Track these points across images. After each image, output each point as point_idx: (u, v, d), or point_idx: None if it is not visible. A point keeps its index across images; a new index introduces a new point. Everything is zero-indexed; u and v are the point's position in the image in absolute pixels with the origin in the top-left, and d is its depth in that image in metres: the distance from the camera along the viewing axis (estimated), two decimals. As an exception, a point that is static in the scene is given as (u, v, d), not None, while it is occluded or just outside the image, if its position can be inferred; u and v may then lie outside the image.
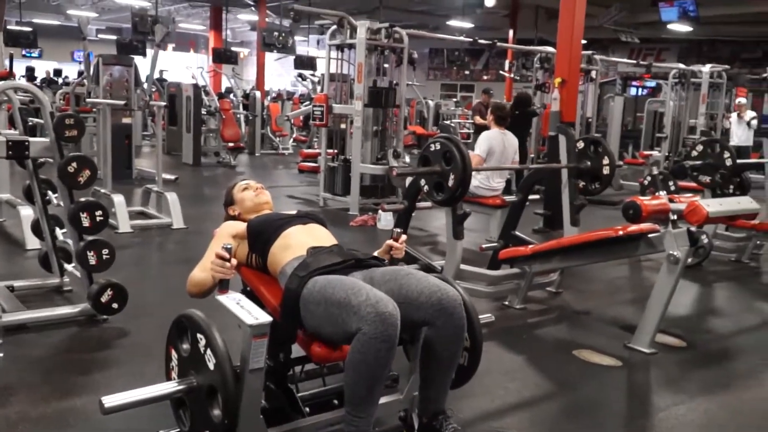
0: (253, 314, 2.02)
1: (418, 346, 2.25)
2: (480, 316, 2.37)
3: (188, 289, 2.49)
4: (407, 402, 2.45)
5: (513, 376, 3.54)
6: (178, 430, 2.43)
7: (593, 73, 10.50)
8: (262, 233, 2.51)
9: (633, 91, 18.56)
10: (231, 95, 16.21)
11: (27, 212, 5.64)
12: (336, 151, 8.93)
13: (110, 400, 2.09)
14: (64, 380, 3.19)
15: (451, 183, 3.99)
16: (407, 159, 8.35)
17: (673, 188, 5.37)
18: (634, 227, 3.90)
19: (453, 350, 2.18)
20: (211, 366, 2.07)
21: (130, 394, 2.14)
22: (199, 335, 2.14)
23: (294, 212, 2.70)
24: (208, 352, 2.08)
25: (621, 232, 3.92)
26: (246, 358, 1.98)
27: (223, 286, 2.16)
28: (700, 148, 5.93)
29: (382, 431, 2.42)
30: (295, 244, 2.43)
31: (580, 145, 4.94)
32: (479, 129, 10.95)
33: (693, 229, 3.77)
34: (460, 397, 3.08)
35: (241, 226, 2.60)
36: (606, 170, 4.77)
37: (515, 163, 6.74)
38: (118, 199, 6.53)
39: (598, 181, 4.87)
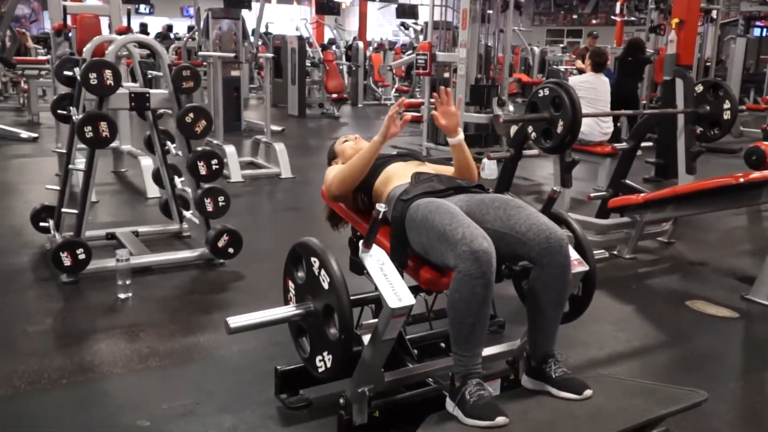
0: (397, 292, 2.01)
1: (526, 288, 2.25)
2: (582, 270, 2.33)
3: (334, 189, 2.55)
4: (517, 349, 2.49)
5: (622, 326, 3.50)
6: (293, 365, 2.57)
7: (714, 13, 9.84)
8: (366, 177, 2.56)
9: (757, 32, 17.33)
10: (334, 46, 16.34)
11: (147, 162, 5.95)
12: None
13: (235, 321, 2.21)
14: (187, 319, 3.41)
15: (559, 129, 3.92)
16: (511, 108, 8.19)
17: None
18: (756, 174, 3.71)
19: (559, 290, 2.17)
20: (326, 286, 2.14)
21: (253, 316, 2.25)
22: (313, 259, 2.20)
23: (394, 152, 2.74)
24: (323, 273, 2.15)
25: (742, 179, 3.73)
26: (381, 330, 2.04)
27: (368, 241, 2.14)
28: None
29: (491, 374, 2.46)
30: (398, 174, 2.48)
31: (699, 88, 4.71)
32: (582, 74, 10.62)
33: (822, 175, 3.55)
34: (568, 344, 3.08)
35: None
36: (727, 115, 4.53)
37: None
38: (230, 149, 6.78)
39: (717, 126, 4.64)
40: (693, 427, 2.49)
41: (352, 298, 2.15)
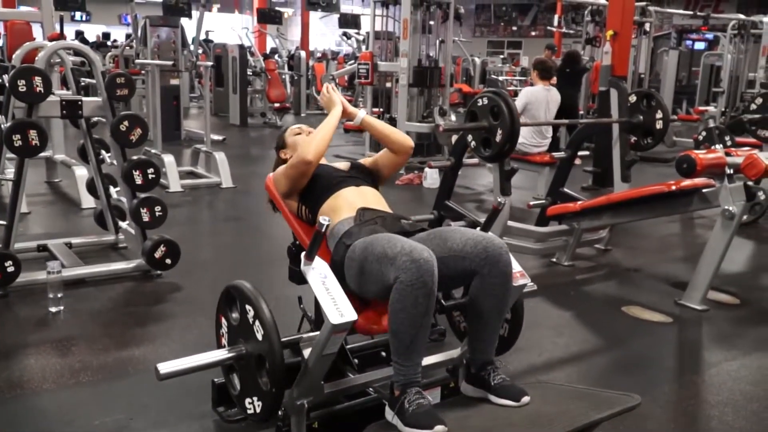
0: (339, 307, 2.00)
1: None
2: (524, 283, 2.37)
3: (312, 152, 2.47)
4: (457, 358, 2.50)
5: (560, 331, 3.55)
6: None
7: (647, 26, 10.18)
8: (314, 189, 2.53)
9: (689, 45, 17.98)
10: (276, 56, 16.24)
11: (81, 172, 5.80)
12: (381, 109, 8.90)
13: (165, 367, 2.19)
14: (123, 332, 3.32)
15: (498, 138, 3.97)
16: (453, 117, 8.27)
17: (729, 143, 5.23)
18: (687, 182, 3.84)
19: (500, 297, 2.19)
20: (259, 336, 2.15)
21: (183, 361, 2.23)
22: (248, 306, 2.21)
23: (347, 166, 2.69)
24: (257, 324, 2.16)
25: (674, 187, 3.85)
26: (322, 345, 2.02)
27: (311, 254, 2.11)
28: (759, 101, 5.73)
29: (431, 382, 2.46)
30: (346, 205, 2.43)
31: (633, 98, 4.84)
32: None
33: (750, 183, 3.68)
34: (508, 351, 3.12)
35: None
36: (659, 125, 4.67)
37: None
38: (169, 159, 6.67)
39: (650, 135, 4.77)
40: (629, 430, 2.54)
41: (284, 340, 2.20)
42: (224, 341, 2.40)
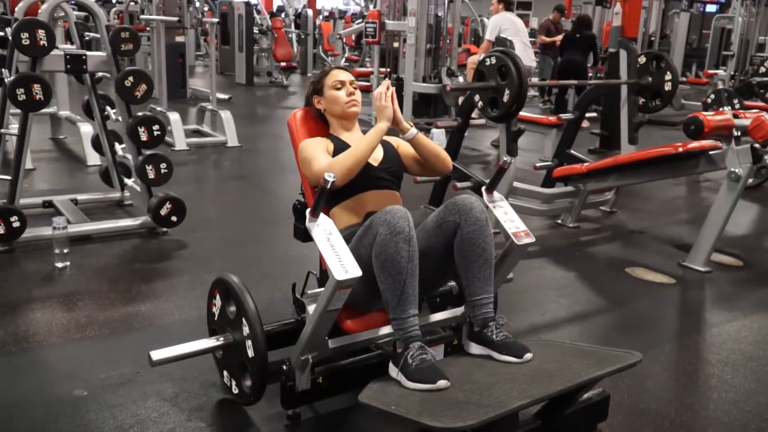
0: (344, 264, 1.99)
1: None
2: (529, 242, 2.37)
3: (339, 174, 2.19)
4: (460, 316, 2.51)
5: (564, 292, 3.56)
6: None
7: (658, -13, 10.02)
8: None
9: (700, 7, 17.67)
10: (282, 14, 16.05)
11: (87, 129, 5.78)
12: (389, 69, 8.81)
13: (158, 354, 2.23)
14: (128, 288, 3.33)
15: (506, 98, 3.93)
16: (461, 78, 8.19)
17: (738, 106, 5.16)
18: (695, 144, 3.80)
19: (482, 244, 2.19)
20: (250, 354, 2.21)
21: (175, 349, 2.28)
22: (243, 320, 2.24)
23: (378, 159, 2.48)
24: (249, 342, 2.21)
25: (681, 149, 3.82)
26: (326, 301, 2.03)
27: (315, 210, 2.08)
28: (769, 63, 5.65)
29: (434, 340, 2.47)
30: (359, 209, 2.38)
31: (642, 60, 4.77)
32: (546, 48, 10.64)
33: (757, 146, 3.65)
34: (510, 310, 3.13)
35: (330, 146, 2.44)
36: (668, 86, 4.61)
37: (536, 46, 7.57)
38: (174, 117, 6.63)
39: (659, 97, 4.72)
40: (629, 387, 2.56)
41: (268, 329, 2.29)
42: (215, 323, 2.46)
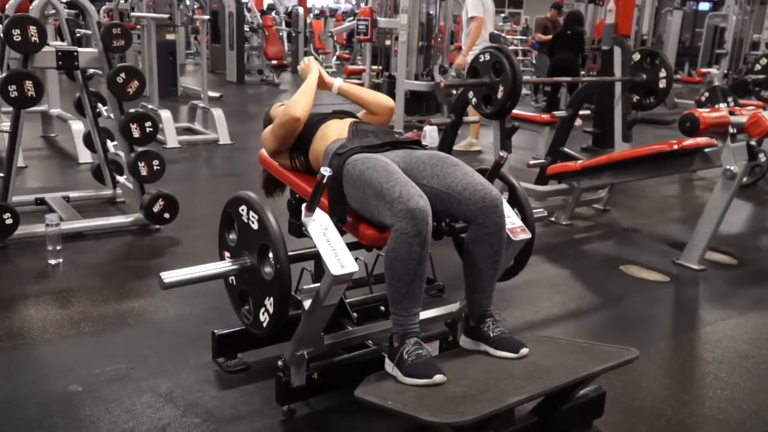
0: (340, 259, 1.99)
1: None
2: (525, 238, 2.37)
3: (293, 112, 2.46)
4: (456, 312, 2.53)
5: (558, 289, 3.58)
6: (231, 329, 2.56)
7: (651, -15, 10.06)
8: (301, 133, 2.51)
9: (693, 5, 17.75)
10: (273, 12, 16.05)
11: (78, 126, 5.77)
12: (381, 67, 8.82)
13: (168, 276, 2.13)
14: (122, 284, 3.33)
15: (500, 95, 3.95)
16: (453, 75, 8.20)
17: (732, 104, 5.20)
18: (690, 141, 3.83)
19: (495, 249, 2.20)
20: (255, 226, 2.15)
21: (188, 271, 2.19)
22: (240, 207, 2.22)
23: (330, 111, 2.69)
24: (251, 215, 2.16)
25: (676, 146, 3.85)
26: (322, 296, 2.02)
27: (311, 205, 2.09)
28: (764, 61, 5.70)
29: (429, 336, 2.48)
30: (335, 130, 2.46)
31: (636, 57, 4.80)
32: (542, 46, 10.66)
33: (753, 143, 3.68)
34: (504, 307, 3.15)
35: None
36: (662, 83, 4.65)
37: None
38: (165, 114, 6.62)
39: (653, 94, 4.76)
40: (624, 385, 2.58)
41: (290, 253, 2.14)
42: (227, 255, 2.36)
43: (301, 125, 2.49)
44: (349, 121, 2.54)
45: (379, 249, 2.30)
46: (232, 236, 2.33)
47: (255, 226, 2.15)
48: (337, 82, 2.71)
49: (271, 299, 2.12)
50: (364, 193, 2.15)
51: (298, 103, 2.49)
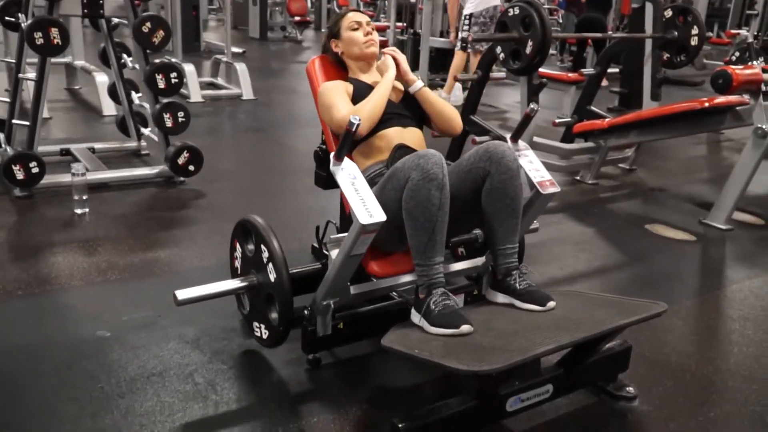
0: (368, 208, 1.97)
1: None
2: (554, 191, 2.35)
3: (366, 120, 2.27)
4: (481, 266, 2.50)
5: (583, 247, 3.54)
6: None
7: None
8: None
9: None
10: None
11: (102, 79, 5.76)
12: (405, 24, 8.69)
13: (182, 294, 2.22)
14: (147, 234, 3.35)
15: (529, 50, 3.86)
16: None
17: (763, 63, 5.07)
18: (721, 99, 3.73)
19: (511, 194, 2.17)
20: (271, 278, 2.18)
21: (199, 289, 2.26)
22: (262, 246, 2.22)
23: (398, 95, 2.51)
24: (270, 266, 2.19)
25: (707, 104, 3.75)
26: (350, 245, 2.01)
27: (339, 154, 2.05)
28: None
29: (455, 289, 2.47)
30: (385, 147, 2.36)
31: (668, 14, 4.67)
32: (569, 4, 10.39)
33: (786, 101, 3.59)
34: (530, 264, 3.09)
35: (349, 88, 2.43)
36: (694, 41, 4.52)
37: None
38: (189, 68, 6.57)
39: (684, 52, 4.63)
40: (649, 340, 2.56)
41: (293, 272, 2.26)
42: (237, 265, 2.44)
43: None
44: (408, 132, 2.42)
45: (377, 279, 2.32)
46: (249, 247, 2.35)
47: (271, 277, 2.21)
48: (419, 84, 2.48)
49: (267, 332, 2.27)
50: (383, 189, 2.15)
51: (365, 115, 2.26)
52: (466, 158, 2.23)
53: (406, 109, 2.48)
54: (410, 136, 2.42)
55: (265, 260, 2.22)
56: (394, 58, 2.48)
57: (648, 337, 2.57)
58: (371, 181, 2.26)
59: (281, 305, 2.17)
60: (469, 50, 6.67)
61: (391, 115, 2.40)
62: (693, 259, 3.53)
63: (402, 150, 2.35)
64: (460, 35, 6.84)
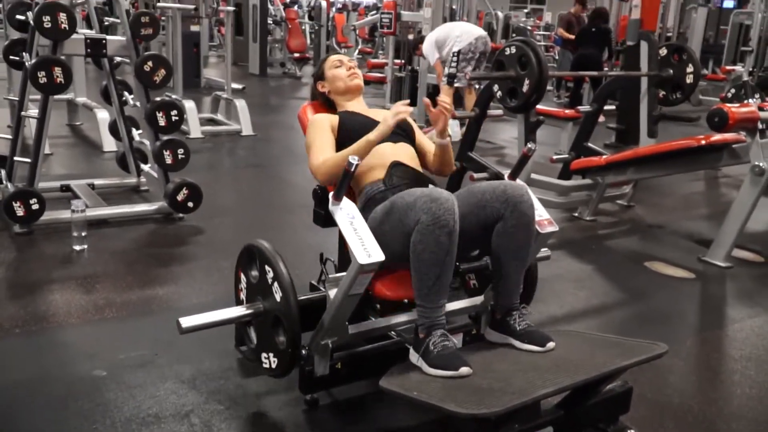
0: (367, 248, 1.97)
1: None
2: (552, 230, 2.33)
3: (321, 176, 2.32)
4: (480, 305, 2.49)
5: (582, 284, 3.53)
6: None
7: (677, -19, 9.91)
8: (353, 141, 2.36)
9: (717, 2, 17.50)
10: (296, 5, 16.04)
11: (103, 115, 5.80)
12: (403, 61, 8.78)
13: (187, 322, 2.18)
14: (146, 271, 3.33)
15: (525, 88, 3.90)
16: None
17: (759, 100, 5.10)
18: (717, 136, 3.75)
19: (523, 240, 2.16)
20: (277, 298, 2.15)
21: (204, 317, 2.23)
22: (267, 267, 2.20)
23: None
24: (276, 285, 2.16)
25: (704, 142, 3.77)
26: (348, 285, 2.00)
27: (338, 194, 2.07)
28: (791, 58, 5.58)
29: (453, 329, 2.45)
30: (379, 164, 2.36)
31: (663, 52, 4.72)
32: (565, 42, 10.48)
33: (781, 139, 3.60)
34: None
35: (334, 121, 2.47)
36: (689, 79, 4.57)
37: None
38: (189, 105, 6.62)
39: (680, 90, 4.67)
40: (651, 381, 2.53)
41: (301, 299, 2.20)
42: (243, 296, 2.40)
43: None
44: (401, 149, 2.44)
45: (384, 300, 2.29)
46: (253, 273, 2.33)
47: (277, 296, 2.17)
48: (447, 140, 2.50)
49: (276, 360, 2.20)
50: (389, 219, 2.12)
51: (325, 168, 2.30)
52: (481, 192, 2.18)
53: (397, 127, 2.43)
54: (403, 152, 2.44)
55: (270, 281, 2.18)
56: (443, 114, 2.38)
57: (649, 377, 2.55)
58: (372, 200, 2.28)
59: (289, 324, 2.11)
60: (458, 85, 6.72)
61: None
62: (693, 297, 3.52)
63: (399, 167, 2.36)
64: (446, 71, 6.85)
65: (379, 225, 2.16)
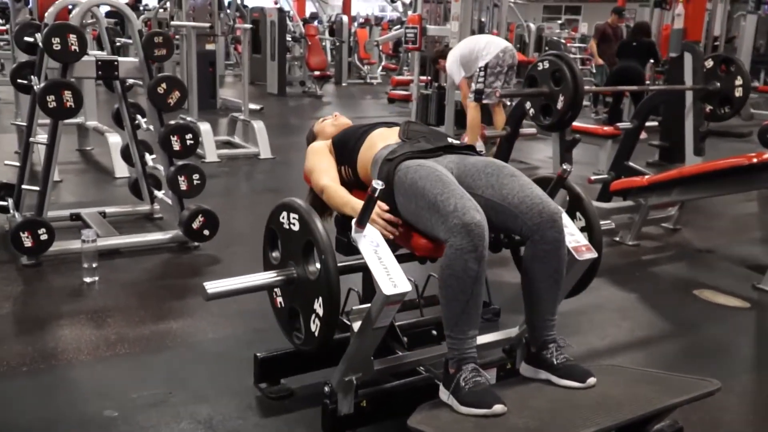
0: (392, 278, 1.97)
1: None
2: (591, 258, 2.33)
3: (324, 198, 2.44)
4: (514, 337, 2.48)
5: (625, 314, 3.50)
6: (274, 352, 2.55)
7: (723, -13, 9.89)
8: (348, 141, 2.54)
9: None
10: (316, 21, 16.26)
11: (115, 140, 5.90)
12: (429, 77, 8.83)
13: (212, 286, 2.14)
14: (160, 304, 3.37)
15: (560, 105, 3.91)
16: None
17: (815, 114, 5.06)
18: (770, 154, 3.72)
19: (554, 267, 2.16)
20: (296, 228, 2.15)
21: (231, 281, 2.19)
22: (283, 213, 2.22)
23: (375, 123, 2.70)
24: (291, 216, 2.17)
25: (755, 160, 3.73)
26: (374, 317, 2.01)
27: (362, 221, 2.08)
28: None
29: (486, 363, 2.44)
30: (383, 137, 2.47)
31: (709, 63, 4.71)
32: (603, 55, 10.44)
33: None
34: (566, 333, 3.05)
35: (329, 144, 2.63)
36: (739, 92, 4.54)
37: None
38: (205, 127, 6.71)
39: (728, 104, 4.65)
40: (703, 421, 2.49)
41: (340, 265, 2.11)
42: (273, 262, 2.36)
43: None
44: (397, 128, 2.54)
45: (433, 261, 2.26)
46: (276, 254, 2.32)
47: (296, 227, 2.16)
48: None
49: (320, 299, 2.09)
50: (417, 205, 2.14)
51: (325, 193, 2.42)
52: (519, 200, 2.17)
53: (387, 122, 2.66)
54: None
55: (287, 224, 2.20)
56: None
57: (701, 417, 2.50)
58: (386, 162, 2.32)
59: (319, 245, 2.05)
60: (487, 102, 6.72)
61: (371, 125, 2.59)
62: (748, 328, 3.47)
63: (413, 124, 2.54)
64: (474, 86, 6.87)
65: (408, 193, 2.20)
